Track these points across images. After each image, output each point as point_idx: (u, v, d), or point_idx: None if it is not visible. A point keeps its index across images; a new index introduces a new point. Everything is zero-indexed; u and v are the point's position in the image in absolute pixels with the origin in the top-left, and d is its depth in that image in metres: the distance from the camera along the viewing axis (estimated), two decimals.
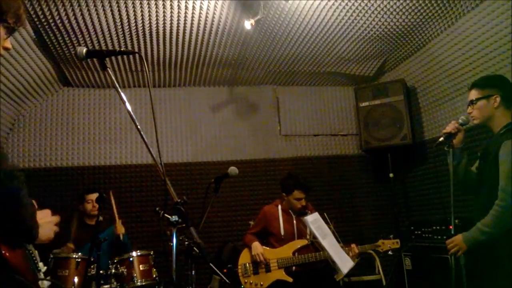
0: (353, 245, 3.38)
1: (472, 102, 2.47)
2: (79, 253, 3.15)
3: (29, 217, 1.27)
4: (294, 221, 3.58)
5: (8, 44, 1.31)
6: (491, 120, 2.43)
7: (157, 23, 3.44)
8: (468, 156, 2.58)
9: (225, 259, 3.86)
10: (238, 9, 3.40)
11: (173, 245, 1.70)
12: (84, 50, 1.63)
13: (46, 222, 1.45)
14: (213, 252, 4.17)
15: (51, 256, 3.12)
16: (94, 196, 3.61)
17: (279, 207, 3.64)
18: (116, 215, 3.66)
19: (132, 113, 1.65)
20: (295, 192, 3.52)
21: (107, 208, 3.76)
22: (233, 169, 3.10)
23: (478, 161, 2.54)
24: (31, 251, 1.57)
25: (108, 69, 1.65)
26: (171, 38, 3.72)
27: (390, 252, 3.43)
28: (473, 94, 2.49)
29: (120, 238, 3.62)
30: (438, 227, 3.61)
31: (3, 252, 1.27)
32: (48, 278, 1.69)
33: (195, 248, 2.77)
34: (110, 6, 3.16)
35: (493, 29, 3.26)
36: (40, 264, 1.63)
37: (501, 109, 2.38)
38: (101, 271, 3.11)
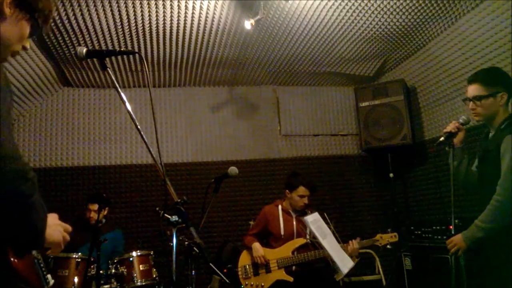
0: (351, 242, 3.34)
1: (476, 99, 2.33)
2: (79, 253, 3.15)
3: (40, 221, 1.13)
4: (294, 222, 3.57)
5: (28, 43, 1.26)
6: (493, 117, 2.35)
7: (157, 23, 3.44)
8: (468, 155, 2.55)
9: (225, 259, 3.86)
10: (238, 9, 3.40)
11: (173, 245, 1.71)
12: (84, 50, 1.63)
13: (54, 224, 1.30)
14: (213, 252, 4.17)
15: (51, 256, 3.12)
16: (95, 206, 3.62)
17: (279, 207, 3.64)
18: None
19: (132, 113, 1.65)
20: (300, 188, 3.50)
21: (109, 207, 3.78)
22: (233, 169, 3.10)
23: (477, 160, 2.49)
24: (39, 260, 1.42)
25: (108, 69, 1.65)
26: (171, 38, 3.71)
27: (389, 246, 3.41)
28: (476, 90, 2.34)
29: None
30: (438, 227, 3.60)
31: (12, 259, 1.13)
32: None
33: (195, 248, 2.78)
34: (110, 6, 3.15)
35: (493, 29, 3.26)
36: (49, 276, 1.48)
37: (504, 106, 2.33)
38: (101, 271, 3.12)
